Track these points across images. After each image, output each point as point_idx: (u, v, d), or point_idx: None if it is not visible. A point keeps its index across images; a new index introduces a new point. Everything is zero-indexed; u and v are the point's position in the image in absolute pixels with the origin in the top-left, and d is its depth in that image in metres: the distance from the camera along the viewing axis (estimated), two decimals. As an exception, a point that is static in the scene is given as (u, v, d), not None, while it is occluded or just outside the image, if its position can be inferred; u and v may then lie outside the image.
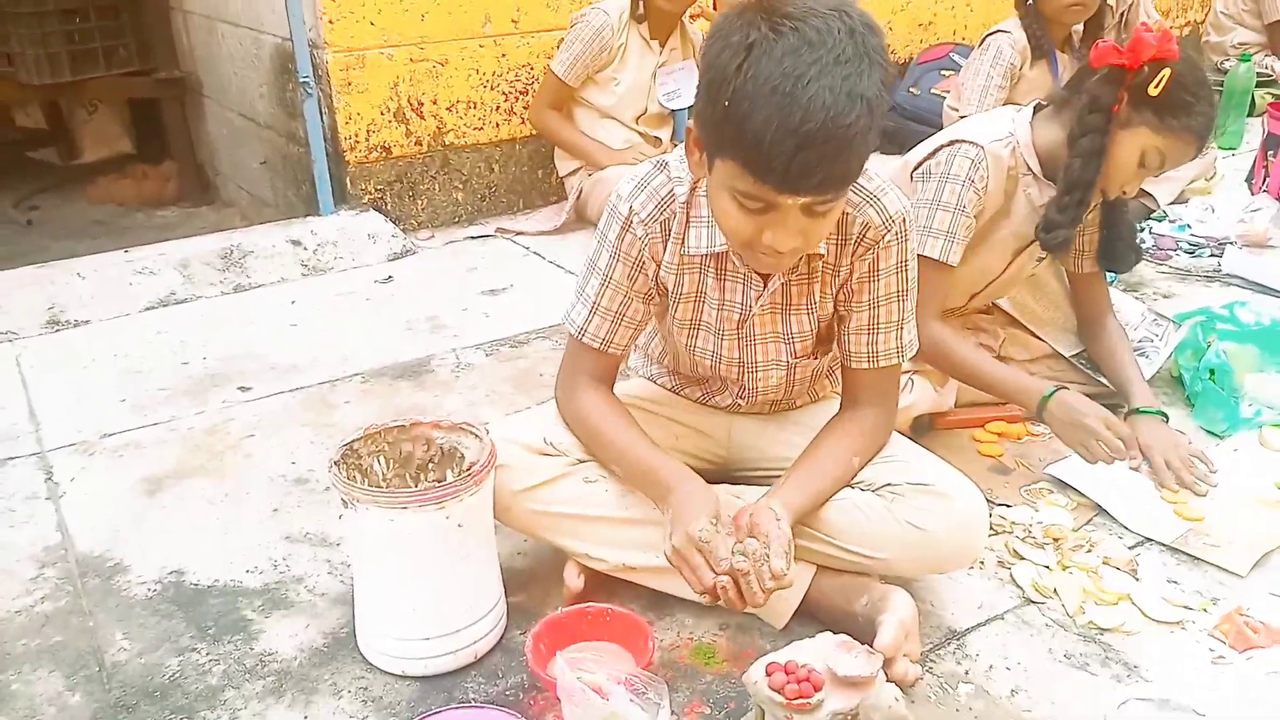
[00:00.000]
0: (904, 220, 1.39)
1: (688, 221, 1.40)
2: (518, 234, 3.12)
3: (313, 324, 2.54)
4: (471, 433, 1.43)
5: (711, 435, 1.63)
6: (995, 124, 1.90)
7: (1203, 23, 4.70)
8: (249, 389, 2.20)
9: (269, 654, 1.43)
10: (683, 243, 1.41)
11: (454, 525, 1.31)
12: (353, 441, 1.40)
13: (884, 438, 1.48)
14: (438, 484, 1.28)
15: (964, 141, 1.81)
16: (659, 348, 1.62)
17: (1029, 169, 1.85)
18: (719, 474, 1.63)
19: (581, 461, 1.48)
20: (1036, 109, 1.90)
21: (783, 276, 1.40)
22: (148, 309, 2.61)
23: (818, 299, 1.44)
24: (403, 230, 3.07)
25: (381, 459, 1.44)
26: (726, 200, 1.22)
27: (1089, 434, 1.78)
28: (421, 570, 1.32)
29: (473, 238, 3.14)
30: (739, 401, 1.58)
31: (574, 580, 1.48)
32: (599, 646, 1.39)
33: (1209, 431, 1.95)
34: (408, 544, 1.30)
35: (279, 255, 2.82)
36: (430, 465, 1.45)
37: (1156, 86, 1.68)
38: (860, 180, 1.36)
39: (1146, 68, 1.68)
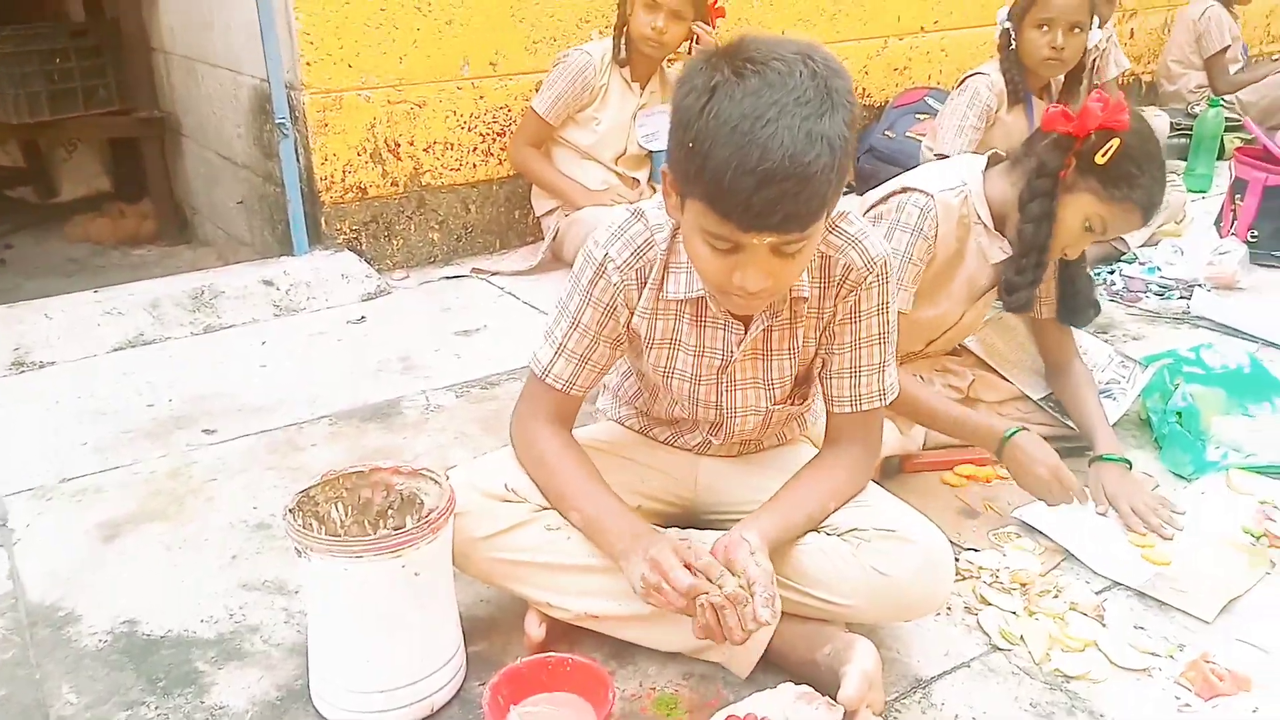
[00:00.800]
0: (885, 263, 1.39)
1: (666, 267, 1.40)
2: (493, 274, 3.12)
3: (282, 365, 2.52)
4: (431, 479, 1.41)
5: (677, 477, 1.62)
6: (947, 173, 1.92)
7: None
8: (214, 431, 2.18)
9: (219, 708, 1.40)
10: (660, 288, 1.41)
11: (410, 574, 1.29)
12: (310, 489, 1.38)
13: (863, 481, 1.48)
14: (394, 532, 1.27)
15: (914, 190, 1.83)
16: (632, 388, 1.62)
17: (979, 218, 1.87)
18: (684, 518, 1.62)
19: (544, 509, 1.47)
20: (991, 160, 1.92)
21: (766, 320, 1.40)
22: (115, 350, 2.58)
23: (800, 343, 1.44)
24: (377, 270, 3.06)
25: (339, 506, 1.42)
26: (698, 242, 1.23)
27: (1039, 481, 1.77)
28: (377, 621, 1.30)
29: (448, 278, 3.13)
30: (710, 439, 1.57)
31: (535, 630, 1.46)
32: (559, 698, 1.37)
33: (1176, 474, 1.95)
34: (363, 594, 1.28)
35: (251, 295, 2.80)
36: (390, 512, 1.43)
37: (1104, 156, 1.70)
38: (842, 224, 1.37)
39: (1095, 136, 1.71)
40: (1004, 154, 1.94)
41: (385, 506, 1.43)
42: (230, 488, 1.95)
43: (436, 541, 1.31)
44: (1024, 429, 1.82)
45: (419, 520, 1.34)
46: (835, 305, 1.41)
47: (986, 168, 1.91)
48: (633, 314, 1.43)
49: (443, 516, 1.31)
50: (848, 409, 1.46)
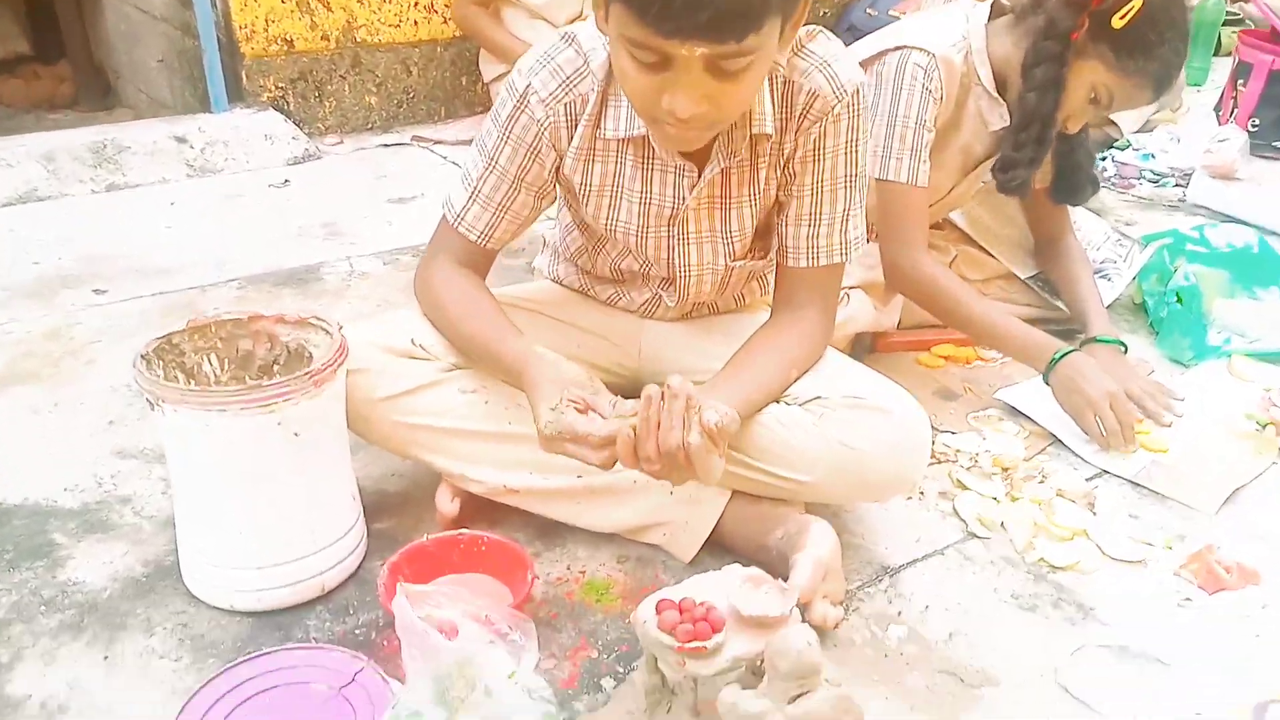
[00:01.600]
0: (857, 92, 1.17)
1: (604, 101, 1.17)
2: (436, 142, 2.85)
3: (192, 226, 2.26)
4: (322, 328, 1.19)
5: (618, 343, 1.41)
6: (946, 27, 1.67)
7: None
8: (104, 292, 1.93)
9: (73, 584, 1.20)
10: (597, 125, 1.18)
11: (288, 434, 1.08)
12: (172, 334, 1.16)
13: (822, 347, 1.28)
14: (266, 382, 1.05)
15: (913, 48, 1.59)
16: (575, 243, 1.39)
17: (979, 79, 1.63)
18: (626, 389, 1.40)
19: (457, 368, 1.25)
20: (994, 10, 1.67)
21: (722, 162, 1.18)
22: (4, 205, 2.30)
23: (761, 188, 1.22)
24: (307, 134, 2.78)
25: (213, 358, 1.19)
26: (623, 56, 1.01)
27: (1089, 405, 1.51)
28: (249, 487, 1.09)
29: (385, 145, 2.86)
30: (662, 295, 1.35)
31: (447, 505, 1.26)
32: (470, 580, 1.18)
33: (1174, 360, 1.78)
34: (230, 454, 1.07)
35: (161, 153, 2.52)
36: (275, 368, 1.21)
37: (1121, 19, 1.46)
38: (810, 44, 1.16)
39: None
40: (1008, 3, 1.69)
41: (270, 361, 1.21)
42: (115, 351, 1.72)
43: (322, 398, 1.10)
44: (1075, 350, 1.57)
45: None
46: (796, 138, 1.19)
47: (990, 18, 1.67)
48: (561, 157, 1.20)
49: (328, 369, 1.09)
50: (804, 263, 1.25)
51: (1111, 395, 1.50)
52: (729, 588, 0.98)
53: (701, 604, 0.94)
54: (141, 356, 1.10)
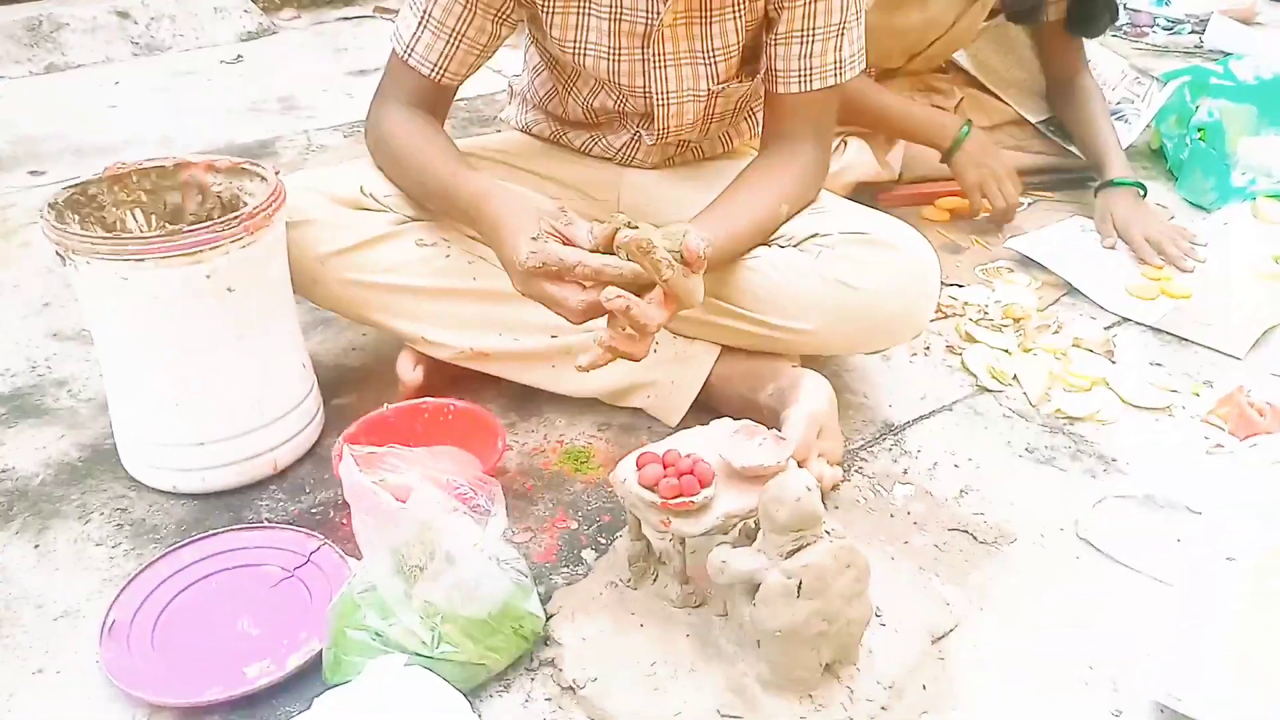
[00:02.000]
0: None
1: None
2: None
3: (137, 105, 2.10)
4: (259, 175, 1.06)
5: (595, 196, 1.28)
6: None
7: None
8: (42, 173, 1.79)
9: (2, 471, 1.09)
10: None
11: (220, 289, 0.96)
12: (87, 183, 1.03)
13: (817, 184, 1.15)
14: (189, 227, 0.92)
15: None
16: (544, 86, 1.25)
17: None
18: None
19: (413, 219, 1.13)
20: None
21: None
22: (-68, 90, 2.14)
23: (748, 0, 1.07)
24: (260, 7, 2.58)
25: (138, 213, 1.07)
26: None
27: (991, 176, 1.55)
28: (180, 353, 0.97)
29: (346, 18, 2.67)
30: (640, 133, 1.21)
31: (409, 373, 1.15)
32: (437, 452, 1.08)
33: (1195, 205, 1.66)
34: (154, 314, 0.95)
35: (102, 30, 2.33)
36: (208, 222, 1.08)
37: None
38: None
39: None
40: None
41: (203, 216, 1.08)
42: (52, 232, 1.58)
43: (257, 248, 0.97)
44: (972, 127, 1.57)
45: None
46: None
47: None
48: None
49: (262, 213, 0.97)
50: (795, 87, 1.10)
51: (1010, 172, 1.55)
52: (718, 441, 0.88)
53: (688, 456, 0.84)
54: (50, 206, 0.97)
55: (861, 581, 0.80)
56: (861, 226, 1.07)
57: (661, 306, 0.89)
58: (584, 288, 0.89)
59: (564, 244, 0.91)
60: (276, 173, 1.04)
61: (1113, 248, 1.50)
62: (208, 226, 0.92)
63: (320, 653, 0.84)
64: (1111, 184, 1.55)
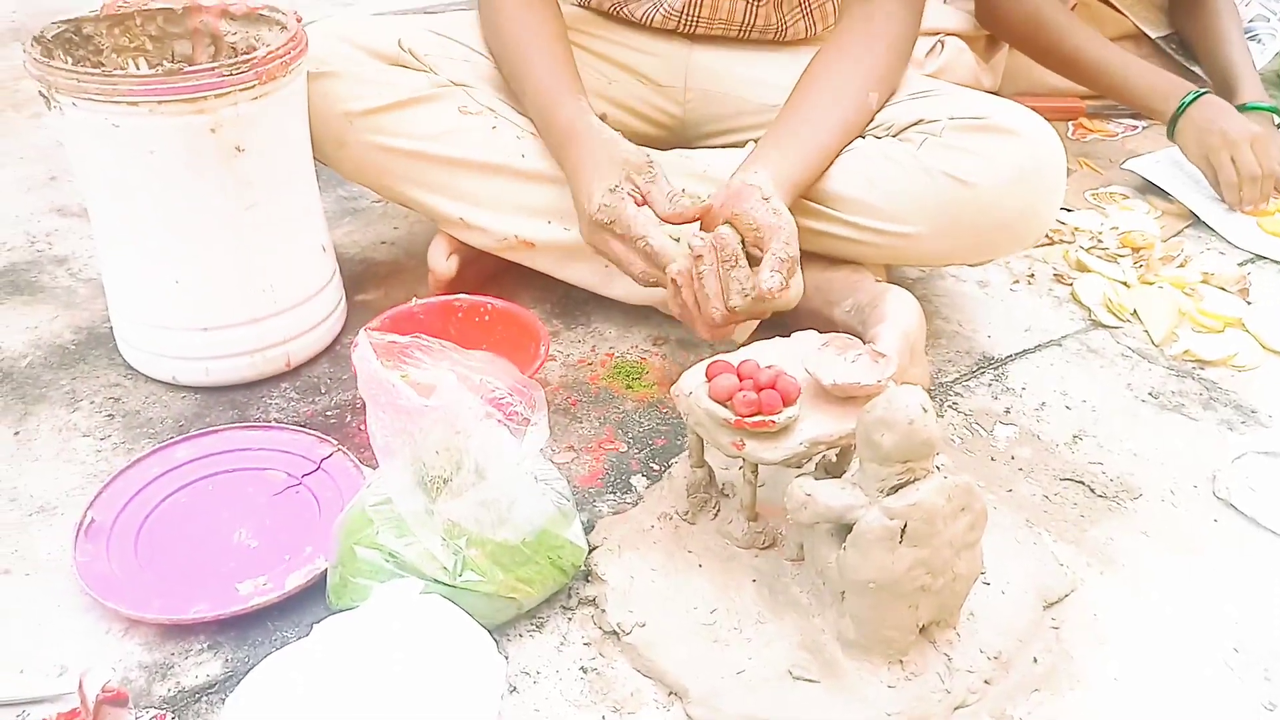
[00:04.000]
0: None
1: None
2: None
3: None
4: (278, 23, 0.91)
5: (660, 80, 1.12)
6: None
7: None
8: (61, 44, 1.66)
9: (-14, 350, 0.98)
10: None
11: (227, 147, 0.82)
12: (81, 20, 0.89)
13: (907, 57, 0.98)
14: (190, 69, 0.78)
15: None
16: None
17: None
18: (667, 143, 1.13)
19: (459, 85, 0.98)
20: None
21: None
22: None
23: None
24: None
25: (142, 63, 0.93)
26: None
27: (1226, 146, 1.24)
28: (178, 218, 0.84)
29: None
30: None
31: (441, 263, 1.01)
32: (470, 354, 0.94)
33: (1337, 138, 1.45)
34: (150, 169, 0.81)
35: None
36: (223, 80, 0.94)
37: None
38: None
39: None
40: None
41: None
42: (67, 104, 1.46)
43: (271, 101, 0.83)
44: (1209, 93, 1.29)
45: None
46: None
47: None
48: None
49: (278, 60, 0.83)
50: None
51: (1255, 137, 1.23)
52: (803, 354, 0.73)
53: (768, 368, 0.70)
54: (35, 40, 0.83)
55: (977, 530, 0.65)
56: (977, 110, 0.91)
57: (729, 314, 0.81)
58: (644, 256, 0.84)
59: (640, 204, 0.84)
60: (299, 19, 0.89)
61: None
62: (212, 69, 0.78)
63: (324, 573, 0.72)
64: (1244, 108, 1.36)
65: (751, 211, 0.81)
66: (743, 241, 0.81)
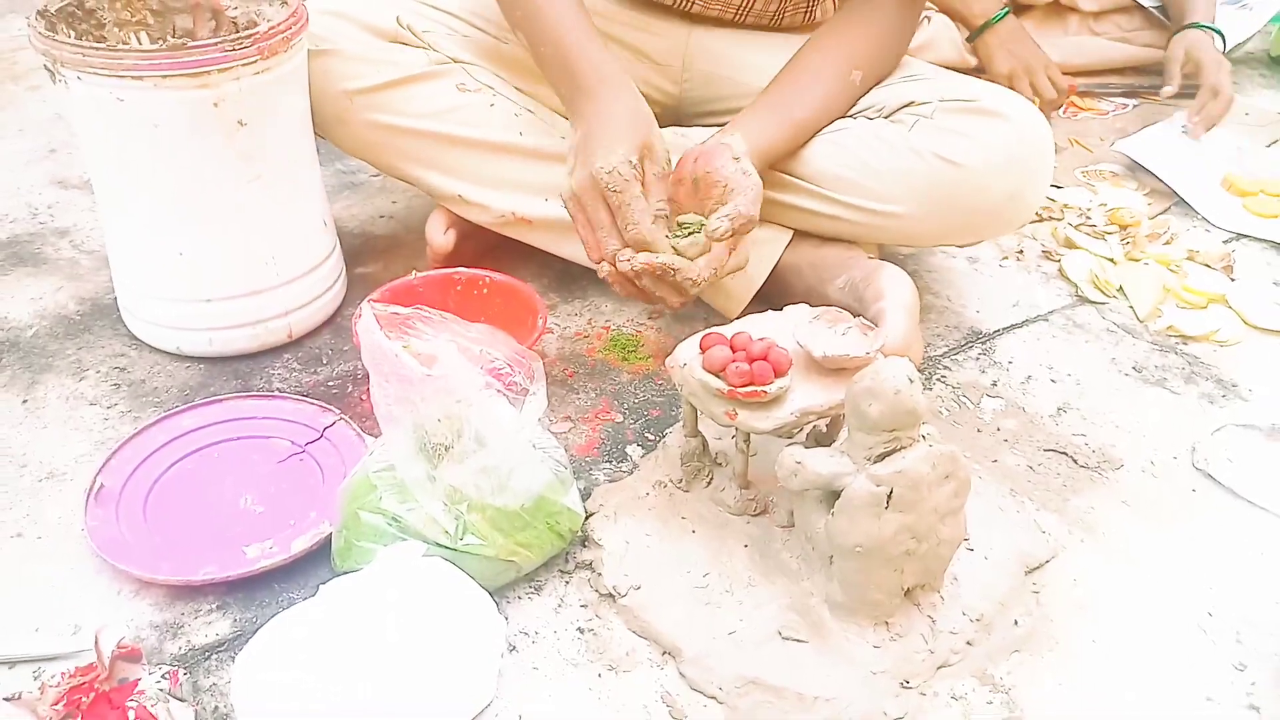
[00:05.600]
0: None
1: None
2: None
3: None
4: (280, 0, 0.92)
5: (662, 61, 1.13)
6: None
7: None
8: (58, 16, 1.66)
9: (-7, 320, 1.00)
10: None
11: (230, 121, 0.83)
12: (83, -7, 0.90)
13: (897, 51, 1.00)
14: (193, 43, 0.79)
15: None
16: None
17: None
18: (665, 119, 1.15)
19: (457, 62, 0.99)
20: None
21: None
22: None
23: None
24: None
25: (143, 37, 0.94)
26: None
27: (1024, 69, 1.42)
28: (182, 191, 0.86)
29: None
30: None
31: (439, 237, 1.03)
32: (469, 326, 0.96)
33: (1323, 117, 1.48)
34: (154, 143, 0.83)
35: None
36: (224, 54, 0.95)
37: None
38: None
39: None
40: None
41: (218, 46, 0.95)
42: (65, 76, 1.46)
43: (272, 76, 0.85)
44: (1011, 12, 1.44)
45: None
46: None
47: None
48: None
49: (279, 35, 0.84)
50: None
51: (1049, 64, 1.42)
52: (795, 327, 0.75)
53: (760, 340, 0.72)
54: (39, 14, 0.84)
55: (960, 496, 0.68)
56: (966, 93, 0.92)
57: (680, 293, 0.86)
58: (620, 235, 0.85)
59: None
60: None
61: (1173, 97, 1.41)
62: (216, 44, 0.80)
63: (329, 536, 0.74)
64: (1193, 26, 1.41)
65: (721, 169, 0.83)
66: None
